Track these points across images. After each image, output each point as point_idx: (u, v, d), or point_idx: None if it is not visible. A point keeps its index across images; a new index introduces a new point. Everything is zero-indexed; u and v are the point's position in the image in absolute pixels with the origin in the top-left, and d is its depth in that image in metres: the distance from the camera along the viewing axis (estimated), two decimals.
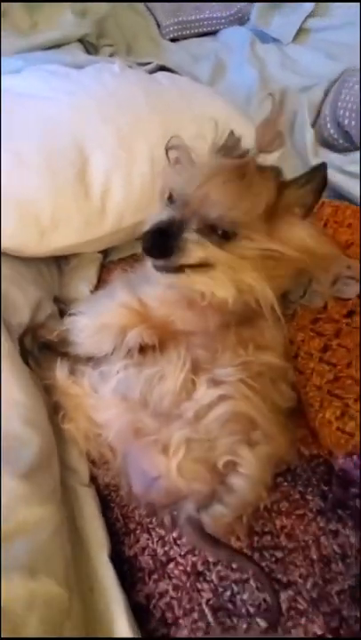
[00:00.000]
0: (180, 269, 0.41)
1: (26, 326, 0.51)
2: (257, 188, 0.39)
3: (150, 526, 0.46)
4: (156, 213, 0.42)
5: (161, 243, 0.40)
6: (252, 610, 0.42)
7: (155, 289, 0.44)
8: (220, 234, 0.39)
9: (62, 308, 0.57)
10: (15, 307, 0.50)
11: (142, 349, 0.47)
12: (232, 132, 0.45)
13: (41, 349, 0.51)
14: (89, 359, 0.49)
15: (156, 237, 0.40)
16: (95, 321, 0.48)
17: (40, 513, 0.38)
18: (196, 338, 0.44)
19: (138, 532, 0.46)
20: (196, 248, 0.39)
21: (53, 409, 0.48)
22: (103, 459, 0.47)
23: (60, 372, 0.47)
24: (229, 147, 0.45)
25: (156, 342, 0.45)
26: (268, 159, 0.65)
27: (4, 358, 0.44)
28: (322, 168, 0.40)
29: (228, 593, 0.43)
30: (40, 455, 0.41)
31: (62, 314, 0.56)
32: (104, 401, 0.44)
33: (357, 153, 0.63)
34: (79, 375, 0.47)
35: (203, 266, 0.40)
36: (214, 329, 0.44)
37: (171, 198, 0.42)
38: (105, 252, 0.66)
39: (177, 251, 0.39)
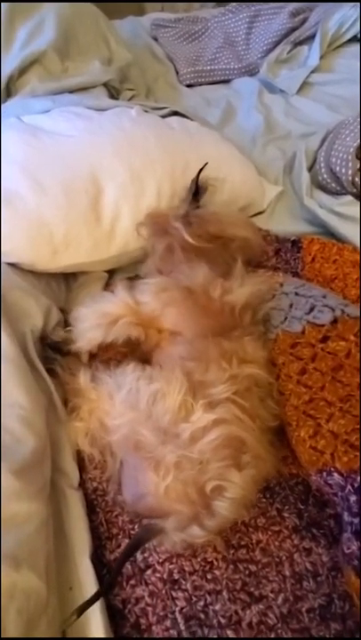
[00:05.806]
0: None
1: (40, 331, 0.55)
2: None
3: (132, 532, 0.48)
4: None
5: None
6: (223, 621, 0.43)
7: (149, 286, 0.51)
8: None
9: (67, 319, 0.62)
10: (29, 313, 0.54)
11: (133, 348, 0.52)
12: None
13: (54, 350, 0.56)
14: (107, 369, 0.52)
15: None
16: (94, 310, 0.53)
17: (29, 508, 0.40)
18: (182, 349, 0.48)
19: (120, 537, 0.48)
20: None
21: (70, 410, 0.51)
22: (102, 462, 0.49)
23: (84, 377, 0.51)
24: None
25: (142, 336, 0.50)
26: (269, 196, 0.77)
27: (9, 363, 0.47)
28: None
29: (202, 603, 0.44)
30: (34, 454, 0.43)
31: (67, 324, 0.60)
32: (116, 408, 0.47)
33: (347, 196, 0.69)
34: (99, 382, 0.50)
35: None
36: (193, 337, 0.48)
37: None
38: (111, 272, 0.71)
39: None
